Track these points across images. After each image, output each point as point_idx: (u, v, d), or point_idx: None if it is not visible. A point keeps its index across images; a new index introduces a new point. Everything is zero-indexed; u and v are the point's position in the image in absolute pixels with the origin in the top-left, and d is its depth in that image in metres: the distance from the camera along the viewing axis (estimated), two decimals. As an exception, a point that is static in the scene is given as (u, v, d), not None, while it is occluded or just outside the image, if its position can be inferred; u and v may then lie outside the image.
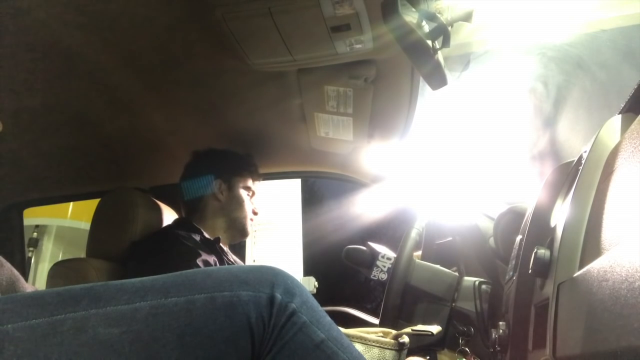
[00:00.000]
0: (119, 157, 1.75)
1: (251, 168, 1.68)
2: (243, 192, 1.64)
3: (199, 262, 1.33)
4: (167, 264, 1.27)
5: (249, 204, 1.64)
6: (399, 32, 0.91)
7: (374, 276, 1.48)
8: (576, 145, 1.23)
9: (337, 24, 1.05)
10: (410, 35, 0.91)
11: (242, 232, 1.64)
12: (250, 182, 1.67)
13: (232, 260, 1.57)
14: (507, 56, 1.37)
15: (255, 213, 1.67)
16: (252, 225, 1.68)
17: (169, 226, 1.56)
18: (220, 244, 1.52)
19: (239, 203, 1.62)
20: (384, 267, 1.46)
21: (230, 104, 1.49)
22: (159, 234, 1.50)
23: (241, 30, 1.09)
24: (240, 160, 1.67)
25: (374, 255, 1.48)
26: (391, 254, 1.47)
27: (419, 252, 1.60)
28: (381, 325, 1.35)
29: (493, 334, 0.97)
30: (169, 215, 1.67)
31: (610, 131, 0.69)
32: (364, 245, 1.54)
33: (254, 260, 3.69)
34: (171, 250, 1.36)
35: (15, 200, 1.94)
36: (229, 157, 1.66)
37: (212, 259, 1.41)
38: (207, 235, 1.50)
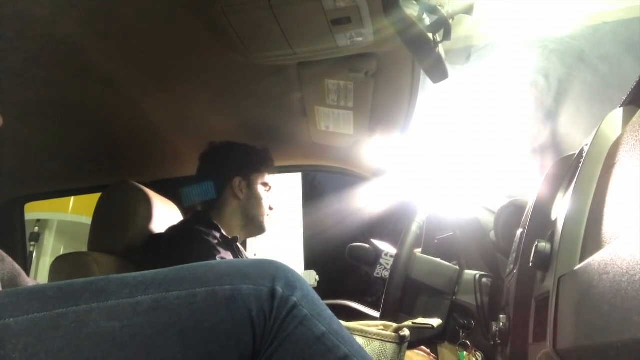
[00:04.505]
0: (120, 151, 1.75)
1: (269, 163, 1.66)
2: (261, 189, 1.62)
3: (217, 259, 1.32)
4: (187, 259, 1.26)
5: (266, 201, 1.62)
6: (400, 25, 0.91)
7: (377, 274, 1.47)
8: (577, 139, 1.23)
9: (337, 17, 1.05)
10: (411, 28, 0.90)
11: (260, 229, 1.62)
12: (267, 178, 1.65)
13: (246, 258, 1.57)
14: (508, 49, 1.37)
15: (271, 209, 1.64)
16: (269, 221, 1.65)
17: (189, 221, 1.53)
18: (237, 243, 1.52)
19: (257, 200, 1.60)
20: (387, 265, 1.46)
21: (231, 97, 1.48)
22: (180, 228, 1.50)
23: (241, 24, 1.08)
24: (258, 156, 1.64)
25: (378, 253, 1.48)
26: (395, 252, 1.47)
27: (420, 249, 1.60)
28: (382, 318, 1.35)
29: (493, 327, 0.97)
30: (170, 210, 1.67)
31: (612, 124, 0.69)
32: (366, 242, 1.54)
33: (254, 254, 3.70)
34: (192, 246, 1.36)
35: (17, 194, 1.95)
36: (248, 153, 1.63)
37: (228, 256, 1.40)
38: (225, 233, 1.49)
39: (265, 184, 1.64)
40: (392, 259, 1.45)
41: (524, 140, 1.51)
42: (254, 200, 1.59)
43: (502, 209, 1.27)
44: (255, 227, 1.61)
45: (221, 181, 1.58)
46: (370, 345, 0.86)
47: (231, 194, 1.57)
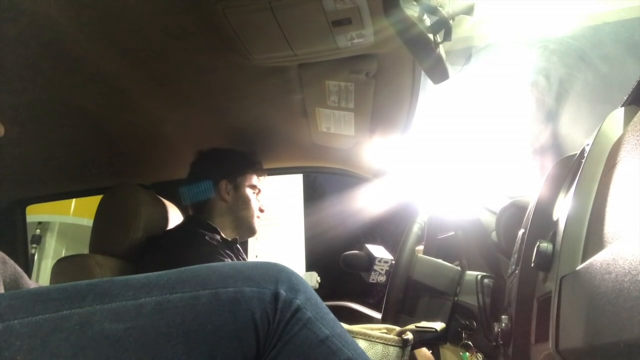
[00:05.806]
0: (121, 153, 1.75)
1: (255, 166, 1.69)
2: (249, 191, 1.64)
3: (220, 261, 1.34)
4: (190, 262, 1.27)
5: (255, 202, 1.65)
6: (400, 25, 0.91)
7: (373, 279, 1.48)
8: (578, 139, 1.23)
9: (338, 18, 1.05)
10: (411, 29, 0.90)
11: (250, 231, 1.65)
12: (255, 180, 1.67)
13: (243, 259, 1.59)
14: (509, 49, 1.37)
15: (261, 210, 1.68)
16: (259, 223, 1.68)
17: (190, 225, 1.56)
18: (237, 245, 1.54)
19: (245, 202, 1.62)
20: (382, 270, 1.47)
21: (232, 99, 1.49)
22: (181, 230, 1.51)
23: (242, 25, 1.08)
24: (244, 159, 1.67)
25: (371, 259, 1.49)
26: (388, 257, 1.48)
27: (421, 247, 1.60)
28: (384, 319, 1.35)
29: (495, 328, 0.97)
30: (171, 212, 1.67)
31: (613, 124, 0.69)
32: (361, 248, 1.55)
33: (256, 256, 3.70)
34: (196, 249, 1.38)
35: (18, 197, 1.95)
36: (233, 156, 1.66)
37: (230, 259, 1.42)
38: (224, 235, 1.52)
39: (253, 187, 1.66)
40: (386, 264, 1.47)
41: (525, 140, 1.51)
42: (242, 202, 1.62)
43: (503, 209, 1.27)
44: (245, 228, 1.64)
45: (208, 185, 1.61)
46: (373, 348, 0.86)
47: (218, 197, 1.60)
